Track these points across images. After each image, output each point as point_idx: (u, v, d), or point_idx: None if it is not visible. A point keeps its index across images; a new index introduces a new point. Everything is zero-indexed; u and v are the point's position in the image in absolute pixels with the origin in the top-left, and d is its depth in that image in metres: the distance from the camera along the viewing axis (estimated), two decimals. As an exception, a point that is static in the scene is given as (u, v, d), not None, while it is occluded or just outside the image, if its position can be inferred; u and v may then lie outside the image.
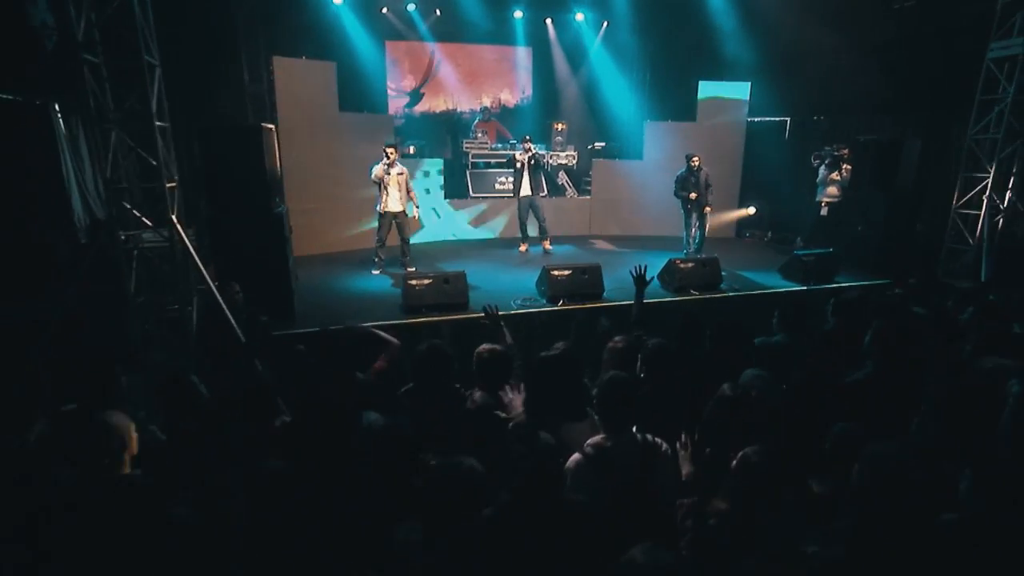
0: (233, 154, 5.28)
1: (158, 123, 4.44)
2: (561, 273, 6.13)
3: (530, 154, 8.20)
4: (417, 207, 7.31)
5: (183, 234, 4.67)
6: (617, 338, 3.38)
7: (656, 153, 9.88)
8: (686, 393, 2.82)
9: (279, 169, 5.96)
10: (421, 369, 2.93)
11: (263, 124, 5.50)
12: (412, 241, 7.97)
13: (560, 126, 11.21)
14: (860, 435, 2.28)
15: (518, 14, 11.19)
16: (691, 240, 8.26)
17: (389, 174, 7.00)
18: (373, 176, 7.01)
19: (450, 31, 11.27)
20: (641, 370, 2.93)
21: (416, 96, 11.79)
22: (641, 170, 10.01)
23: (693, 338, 3.36)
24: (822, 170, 8.28)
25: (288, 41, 8.68)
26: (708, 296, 6.53)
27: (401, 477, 2.32)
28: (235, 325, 4.56)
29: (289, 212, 8.04)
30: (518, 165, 8.23)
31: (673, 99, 10.55)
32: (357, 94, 9.92)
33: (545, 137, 11.02)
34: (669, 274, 6.65)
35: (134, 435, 2.46)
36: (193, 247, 4.87)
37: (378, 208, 7.13)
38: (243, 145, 5.30)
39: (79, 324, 4.24)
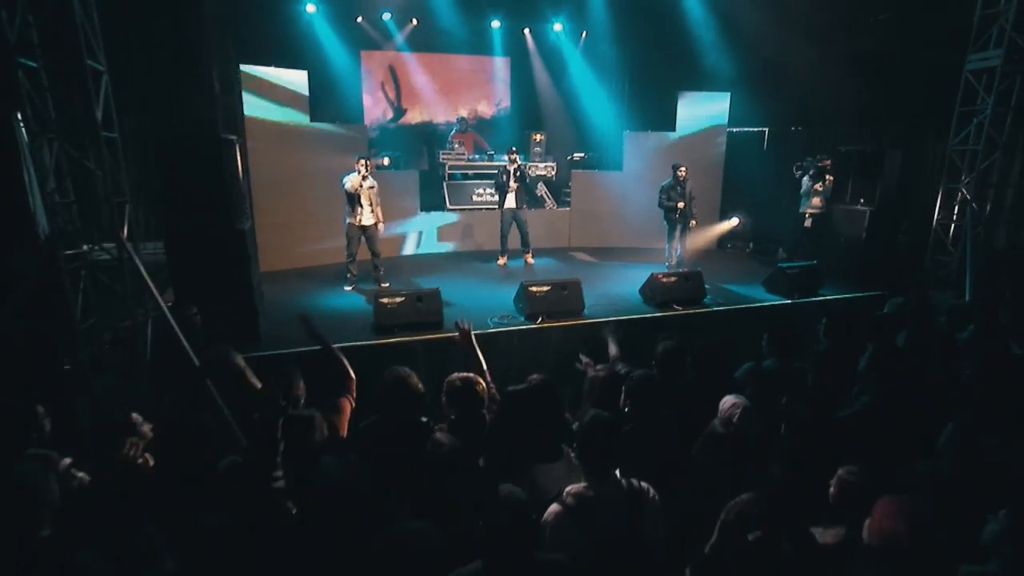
0: (191, 167, 4.97)
1: (104, 134, 4.12)
2: (540, 289, 5.89)
3: (515, 166, 8.01)
4: (382, 222, 7.00)
5: (132, 252, 4.35)
6: (599, 367, 3.14)
7: (636, 163, 9.75)
8: (672, 429, 2.59)
9: (242, 182, 5.65)
10: (384, 400, 2.65)
11: (223, 135, 5.20)
12: (387, 255, 7.71)
13: (538, 137, 11.06)
14: (867, 479, 2.06)
15: (495, 24, 11.02)
16: (673, 252, 8.10)
17: (362, 187, 6.74)
18: (348, 188, 6.72)
19: (426, 41, 11.05)
20: (625, 404, 2.68)
21: (399, 112, 11.57)
22: (621, 181, 9.86)
23: (675, 367, 3.13)
24: (805, 181, 8.19)
25: (260, 51, 8.37)
26: (691, 311, 6.35)
27: (357, 531, 2.05)
28: (189, 350, 4.24)
29: (258, 226, 7.76)
30: (504, 177, 8.04)
31: (653, 109, 10.44)
32: (332, 104, 9.66)
33: (523, 148, 10.82)
34: (651, 289, 6.46)
35: (54, 487, 2.16)
36: (144, 265, 4.56)
37: (347, 220, 6.85)
38: (201, 157, 4.99)
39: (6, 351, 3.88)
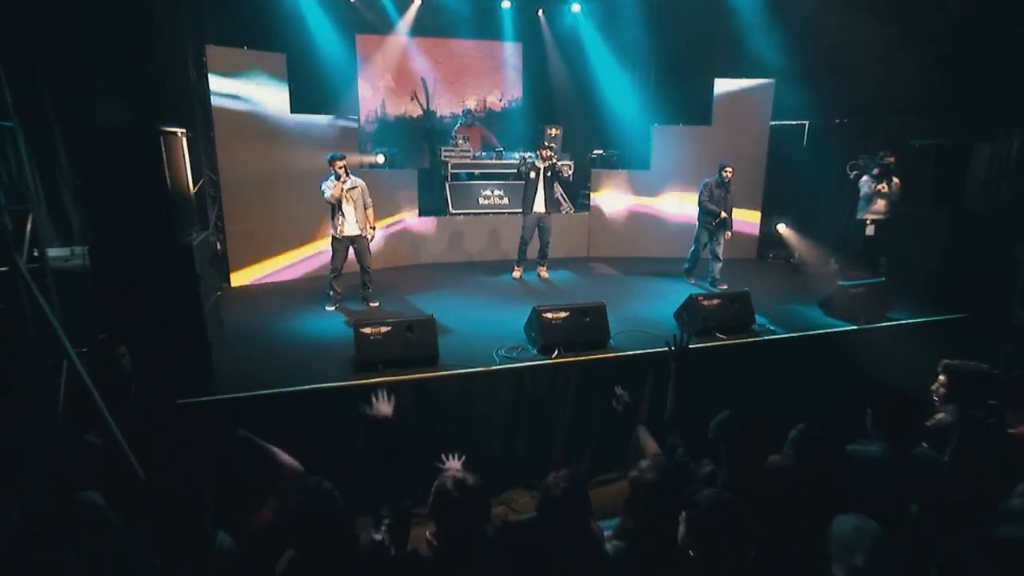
0: (123, 166, 3.97)
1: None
2: (556, 316, 4.83)
3: (548, 163, 6.95)
4: (374, 228, 5.98)
5: (28, 279, 3.34)
6: (644, 464, 2.10)
7: (665, 162, 8.67)
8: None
9: (189, 185, 4.64)
10: (305, 526, 1.70)
11: (163, 128, 4.17)
12: (379, 266, 6.70)
13: (554, 131, 9.92)
14: None
15: (506, 4, 9.95)
16: (696, 260, 7.04)
17: (343, 192, 5.71)
18: (329, 197, 5.70)
19: (429, 24, 10.04)
20: (686, 541, 1.64)
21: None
22: (648, 181, 8.80)
23: (748, 458, 2.09)
24: (866, 182, 7.01)
25: (241, 34, 7.38)
26: (738, 340, 5.26)
27: None
28: (103, 409, 3.24)
29: (227, 233, 6.76)
30: (532, 175, 6.99)
31: (684, 99, 9.29)
32: (320, 93, 8.62)
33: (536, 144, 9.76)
34: (691, 313, 5.38)
35: None
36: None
37: (333, 233, 5.84)
38: (136, 154, 3.99)
39: None
